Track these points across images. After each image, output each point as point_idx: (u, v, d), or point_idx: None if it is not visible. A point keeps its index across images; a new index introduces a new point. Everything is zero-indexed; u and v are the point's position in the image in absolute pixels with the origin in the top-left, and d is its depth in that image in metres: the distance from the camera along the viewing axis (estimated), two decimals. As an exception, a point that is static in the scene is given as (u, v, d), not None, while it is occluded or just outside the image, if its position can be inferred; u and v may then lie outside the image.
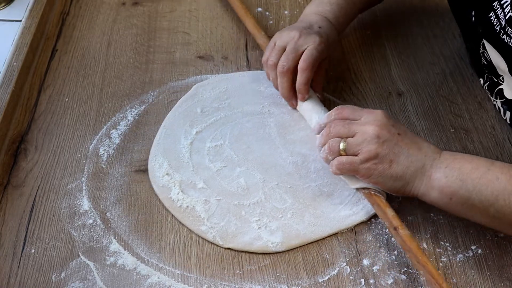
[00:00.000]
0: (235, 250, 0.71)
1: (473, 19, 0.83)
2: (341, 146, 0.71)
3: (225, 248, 0.71)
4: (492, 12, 0.77)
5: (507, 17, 0.74)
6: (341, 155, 0.72)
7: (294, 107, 0.85)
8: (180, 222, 0.74)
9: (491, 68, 0.82)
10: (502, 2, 0.75)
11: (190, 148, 0.81)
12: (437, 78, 0.93)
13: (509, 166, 0.68)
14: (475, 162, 0.68)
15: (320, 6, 0.89)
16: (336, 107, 0.76)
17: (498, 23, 0.76)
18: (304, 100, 0.83)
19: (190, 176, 0.77)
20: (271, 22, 1.02)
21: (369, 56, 0.97)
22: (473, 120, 0.86)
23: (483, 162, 0.69)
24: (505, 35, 0.75)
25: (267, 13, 1.04)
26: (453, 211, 0.70)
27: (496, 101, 0.85)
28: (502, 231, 0.72)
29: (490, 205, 0.66)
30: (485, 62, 0.84)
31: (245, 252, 0.71)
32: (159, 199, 0.76)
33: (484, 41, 0.81)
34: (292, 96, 0.84)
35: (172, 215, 0.74)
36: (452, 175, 0.68)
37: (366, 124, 0.71)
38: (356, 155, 0.70)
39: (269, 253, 0.71)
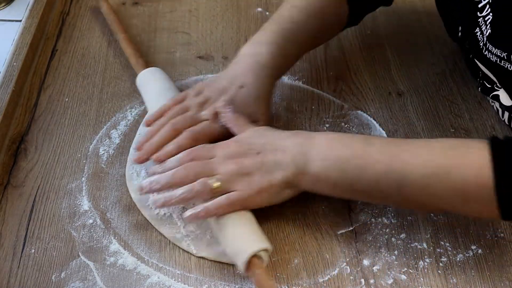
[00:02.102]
0: (206, 259, 0.70)
1: (460, 34, 0.83)
2: (215, 184, 0.67)
3: (198, 257, 0.70)
4: (478, 28, 0.76)
5: (486, 34, 0.74)
6: (215, 195, 0.67)
7: (138, 163, 0.75)
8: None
9: (484, 74, 0.82)
10: (486, 19, 0.74)
11: None
12: (437, 78, 0.93)
13: (387, 143, 0.68)
14: (353, 146, 0.67)
15: (257, 46, 0.79)
16: (186, 151, 0.70)
17: (481, 40, 0.75)
18: (158, 161, 0.73)
19: None
20: (271, 22, 1.02)
21: (369, 56, 0.97)
22: (473, 120, 0.86)
23: (361, 144, 0.67)
24: (487, 51, 0.74)
25: (267, 13, 1.04)
26: (341, 197, 0.71)
27: (494, 103, 0.85)
28: (390, 205, 0.74)
29: (373, 189, 0.66)
30: (478, 69, 0.84)
31: (218, 262, 0.69)
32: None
33: (472, 55, 0.81)
34: (152, 153, 0.73)
35: (172, 215, 0.74)
36: (330, 166, 0.67)
37: (225, 161, 0.68)
38: (230, 191, 0.67)
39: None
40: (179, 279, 0.68)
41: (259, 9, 1.05)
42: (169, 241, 0.72)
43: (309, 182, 0.68)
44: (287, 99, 0.89)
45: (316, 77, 0.93)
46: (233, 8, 1.05)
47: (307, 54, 0.96)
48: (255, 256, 0.65)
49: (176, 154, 0.72)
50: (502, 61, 0.72)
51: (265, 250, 0.66)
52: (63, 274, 0.68)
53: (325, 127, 0.85)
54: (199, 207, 0.67)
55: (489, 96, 0.84)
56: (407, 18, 1.04)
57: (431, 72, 0.94)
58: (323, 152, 0.68)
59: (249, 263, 0.64)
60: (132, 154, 0.78)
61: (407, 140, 0.71)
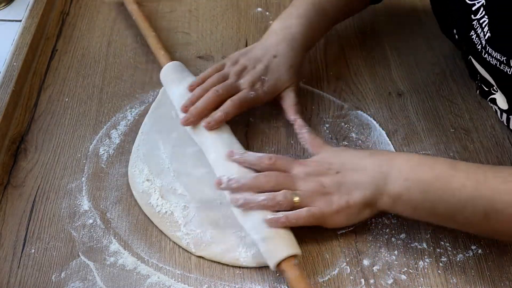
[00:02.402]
0: (206, 259, 0.70)
1: (456, 37, 0.83)
2: (296, 199, 0.68)
3: (197, 256, 0.70)
4: (473, 31, 0.76)
5: (486, 37, 0.73)
6: (292, 208, 0.68)
7: (185, 124, 0.79)
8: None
9: (482, 77, 0.82)
10: (481, 22, 0.74)
11: (171, 153, 0.79)
12: (437, 78, 0.93)
13: (474, 169, 0.66)
14: (436, 169, 0.66)
15: (287, 20, 0.85)
16: (267, 156, 0.72)
17: (479, 42, 0.75)
18: (208, 128, 0.77)
19: (170, 182, 0.76)
20: (271, 22, 1.02)
21: (369, 56, 0.97)
22: (473, 120, 0.86)
23: (446, 167, 0.66)
24: (487, 55, 0.74)
25: (267, 13, 1.04)
26: (421, 219, 0.70)
27: (492, 105, 0.85)
28: (472, 233, 0.70)
29: (456, 214, 0.64)
30: (476, 71, 0.84)
31: (217, 262, 0.70)
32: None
33: (471, 57, 0.81)
34: (200, 117, 0.78)
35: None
36: (412, 187, 0.65)
37: (305, 178, 0.69)
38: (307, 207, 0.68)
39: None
40: (179, 279, 0.68)
41: (259, 9, 1.05)
42: (169, 241, 0.72)
43: (388, 203, 0.67)
44: (287, 99, 0.89)
45: (316, 77, 0.93)
46: (233, 8, 1.05)
47: (307, 54, 0.96)
48: (287, 259, 0.66)
49: (223, 121, 0.78)
50: (502, 65, 0.72)
51: (295, 255, 0.66)
52: (63, 274, 0.68)
53: (325, 127, 0.85)
54: (280, 214, 0.68)
55: (486, 99, 0.84)
56: (407, 18, 1.04)
57: (431, 72, 0.94)
58: (404, 172, 0.66)
59: (280, 265, 0.66)
60: (179, 116, 0.81)
61: (493, 167, 0.69)
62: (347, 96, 0.90)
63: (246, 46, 0.97)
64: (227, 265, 0.69)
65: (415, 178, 0.66)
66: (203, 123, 0.78)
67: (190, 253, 0.70)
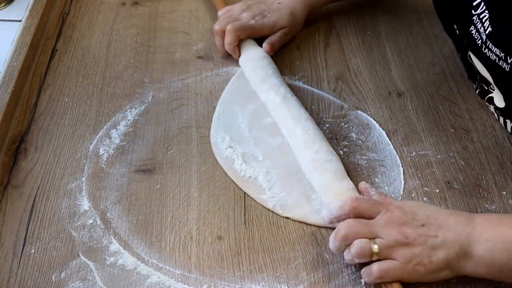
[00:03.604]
0: (293, 220, 0.74)
1: (457, 32, 0.83)
2: (375, 249, 0.65)
3: (284, 217, 0.74)
4: (473, 26, 0.76)
5: (487, 32, 0.73)
6: (372, 258, 0.66)
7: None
8: (242, 191, 0.77)
9: (481, 76, 0.82)
10: (481, 17, 0.74)
11: (249, 123, 0.84)
12: (437, 78, 0.93)
13: None
14: None
15: None
16: (350, 199, 0.69)
17: (479, 37, 0.75)
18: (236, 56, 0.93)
19: (251, 149, 0.81)
20: (271, 22, 1.02)
21: (369, 56, 0.97)
22: (473, 120, 0.86)
23: None
24: (487, 49, 0.74)
25: (267, 13, 1.04)
26: (508, 282, 0.66)
27: (490, 106, 0.86)
28: None
29: None
30: (475, 71, 0.84)
31: (300, 222, 0.73)
32: (159, 199, 0.76)
33: (470, 52, 0.81)
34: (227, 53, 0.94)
35: (172, 214, 0.75)
36: (495, 248, 0.63)
37: (388, 226, 0.66)
38: (388, 259, 0.65)
39: (268, 253, 0.71)
40: (179, 279, 0.68)
41: (259, 9, 1.05)
42: (169, 241, 0.72)
43: (472, 265, 0.64)
44: (287, 99, 0.89)
45: (316, 77, 0.93)
46: (233, 8, 1.05)
47: (307, 54, 0.96)
48: None
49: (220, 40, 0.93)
50: (500, 61, 0.72)
51: None
52: (63, 274, 0.68)
53: (325, 127, 0.85)
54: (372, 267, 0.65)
55: (484, 99, 0.85)
56: (407, 18, 1.04)
57: (431, 72, 0.94)
58: (486, 232, 0.64)
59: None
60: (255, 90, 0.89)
61: None
62: (347, 96, 0.90)
63: (246, 46, 0.98)
64: (227, 264, 0.69)
65: (497, 238, 0.63)
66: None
67: (277, 214, 0.74)
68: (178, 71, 0.93)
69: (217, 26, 0.93)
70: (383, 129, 0.85)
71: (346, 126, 0.85)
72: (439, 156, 0.81)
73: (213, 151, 0.82)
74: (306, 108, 0.87)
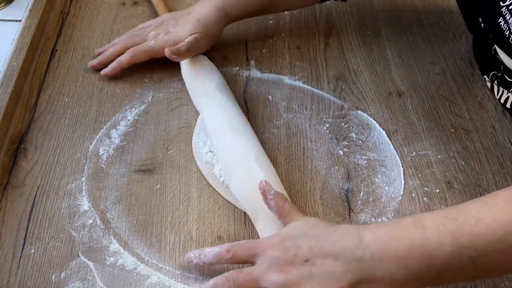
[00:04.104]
0: None
1: (482, 25, 0.83)
2: None
3: None
4: (501, 17, 0.76)
5: None
6: None
7: (91, 67, 0.93)
8: (223, 198, 0.76)
9: (506, 69, 0.81)
10: (510, 8, 0.74)
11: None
12: (437, 78, 0.93)
13: (442, 219, 0.59)
14: (405, 238, 0.59)
15: None
16: (226, 249, 0.65)
17: (507, 28, 0.75)
18: (103, 74, 0.91)
19: None
20: (271, 22, 1.02)
21: (369, 56, 0.97)
22: (473, 120, 0.86)
23: (415, 232, 0.59)
24: None
25: (267, 13, 1.04)
26: (439, 284, 0.64)
27: (510, 94, 0.85)
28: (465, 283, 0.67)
29: (444, 273, 0.59)
30: (498, 62, 0.84)
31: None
32: (159, 199, 0.76)
33: (496, 46, 0.80)
34: (104, 64, 0.92)
35: (172, 214, 0.75)
36: (392, 267, 0.59)
37: (270, 271, 0.61)
38: None
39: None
40: (179, 279, 0.68)
41: (259, 9, 1.05)
42: (169, 241, 0.72)
43: (377, 286, 0.60)
44: (287, 99, 0.89)
45: (316, 77, 0.93)
46: (233, 8, 1.05)
47: (307, 54, 0.96)
48: None
49: (117, 68, 0.90)
50: None
51: None
52: (63, 274, 0.68)
53: (325, 127, 0.85)
54: None
55: (509, 91, 0.84)
56: (407, 18, 1.04)
57: (431, 72, 0.94)
58: (378, 253, 0.59)
59: None
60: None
61: (457, 208, 0.60)
62: (347, 96, 0.90)
63: (246, 46, 0.98)
64: (227, 264, 0.69)
65: (391, 256, 0.59)
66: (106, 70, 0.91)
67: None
68: (178, 71, 0.93)
69: (119, 42, 0.93)
70: (383, 129, 0.85)
71: (346, 126, 0.85)
72: (439, 156, 0.81)
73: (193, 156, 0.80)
74: (306, 108, 0.87)
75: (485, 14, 0.81)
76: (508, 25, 0.75)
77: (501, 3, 0.75)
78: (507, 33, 0.75)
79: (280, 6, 0.96)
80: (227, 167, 0.76)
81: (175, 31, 0.89)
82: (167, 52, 0.86)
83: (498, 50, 0.80)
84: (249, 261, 0.64)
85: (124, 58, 0.90)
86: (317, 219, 0.66)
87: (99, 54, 0.93)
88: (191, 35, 0.87)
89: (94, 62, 0.92)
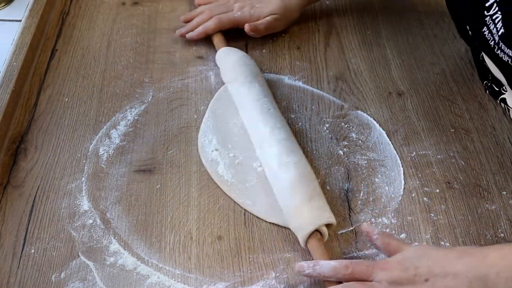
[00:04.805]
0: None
1: (470, 33, 0.83)
2: None
3: (269, 223, 0.74)
4: (485, 27, 0.76)
5: (499, 33, 0.73)
6: None
7: (180, 35, 0.97)
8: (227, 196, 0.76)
9: (493, 77, 0.82)
10: (494, 18, 0.74)
11: (241, 127, 0.83)
12: (437, 78, 0.93)
13: None
14: None
15: None
16: (345, 265, 0.64)
17: (491, 38, 0.75)
18: (188, 38, 0.96)
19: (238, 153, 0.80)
20: (271, 22, 1.02)
21: (369, 56, 0.97)
22: (473, 120, 0.86)
23: None
24: (499, 51, 0.74)
25: (267, 13, 1.04)
26: None
27: (503, 105, 0.85)
28: None
29: None
30: (488, 72, 0.84)
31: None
32: (159, 199, 0.76)
33: (483, 53, 0.81)
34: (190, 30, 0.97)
35: (172, 214, 0.75)
36: None
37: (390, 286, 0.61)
38: None
39: (268, 253, 0.71)
40: (179, 279, 0.68)
41: (259, 9, 1.05)
42: (169, 241, 0.72)
43: None
44: (287, 99, 0.89)
45: (316, 77, 0.93)
46: (233, 8, 1.05)
47: (307, 54, 0.96)
48: (316, 231, 0.68)
49: (202, 34, 0.96)
50: None
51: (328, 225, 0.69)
52: (63, 274, 0.68)
53: (325, 127, 0.85)
54: None
55: (497, 99, 0.84)
56: (407, 18, 1.04)
57: (431, 72, 0.94)
58: (504, 273, 0.58)
59: (309, 237, 0.68)
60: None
61: None
62: (347, 96, 0.90)
63: (246, 46, 0.98)
64: (227, 264, 0.69)
65: None
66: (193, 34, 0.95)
67: (262, 220, 0.74)
68: (178, 71, 0.93)
69: (206, 11, 0.97)
70: (383, 129, 0.85)
71: (346, 126, 0.85)
72: (439, 156, 0.81)
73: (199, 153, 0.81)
74: (306, 108, 0.87)
75: (471, 23, 0.81)
76: (492, 34, 0.74)
77: (485, 12, 0.75)
78: (492, 42, 0.75)
79: None
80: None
81: (260, 7, 0.96)
82: (246, 28, 0.94)
83: (486, 58, 0.80)
84: (367, 279, 0.63)
85: (210, 24, 0.95)
86: (429, 244, 0.68)
87: (186, 21, 0.98)
88: (271, 14, 0.95)
89: (183, 30, 0.97)
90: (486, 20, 0.75)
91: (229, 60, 0.90)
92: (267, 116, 0.80)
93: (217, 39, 0.96)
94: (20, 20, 0.97)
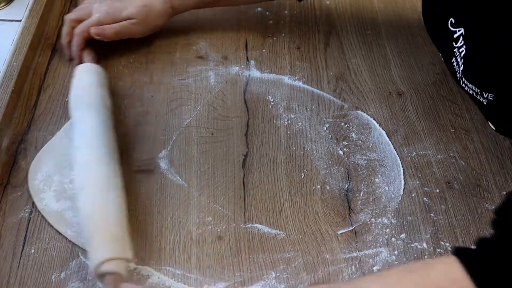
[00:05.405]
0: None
1: (443, 59, 0.83)
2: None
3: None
4: (454, 58, 0.75)
5: (461, 68, 0.73)
6: None
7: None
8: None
9: None
10: (460, 51, 0.73)
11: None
12: (437, 78, 0.93)
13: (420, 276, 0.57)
14: None
15: None
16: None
17: (458, 71, 0.75)
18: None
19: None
20: (271, 22, 1.02)
21: (369, 56, 0.97)
22: (473, 120, 0.86)
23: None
24: (464, 84, 0.73)
25: (267, 13, 1.04)
26: None
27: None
28: None
29: None
30: None
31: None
32: (159, 199, 0.76)
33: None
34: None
35: (172, 214, 0.75)
36: None
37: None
38: None
39: (268, 253, 0.71)
40: (179, 280, 0.68)
41: (259, 9, 1.05)
42: (169, 241, 0.72)
43: None
44: (287, 99, 0.89)
45: (316, 77, 0.93)
46: (233, 8, 1.05)
47: (307, 54, 0.96)
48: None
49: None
50: (478, 95, 0.71)
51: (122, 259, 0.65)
52: (63, 274, 0.68)
53: (325, 127, 0.85)
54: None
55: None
56: (407, 18, 1.04)
57: (431, 72, 0.94)
58: None
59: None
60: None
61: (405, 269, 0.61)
62: (347, 96, 0.90)
63: (246, 46, 0.97)
64: (228, 264, 0.69)
65: None
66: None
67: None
68: (178, 71, 0.93)
69: (68, 20, 0.92)
70: (383, 129, 0.85)
71: (346, 126, 0.85)
72: (439, 156, 0.81)
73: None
74: (306, 108, 0.87)
75: (443, 52, 0.81)
76: (459, 67, 0.74)
77: (454, 43, 0.74)
78: (458, 75, 0.75)
79: (224, 1, 0.98)
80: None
81: (124, 11, 0.89)
82: (91, 31, 0.88)
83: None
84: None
85: (73, 44, 0.90)
86: None
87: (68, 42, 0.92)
88: (128, 19, 0.89)
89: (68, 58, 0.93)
90: (455, 52, 0.75)
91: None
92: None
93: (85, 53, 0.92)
94: (20, 20, 0.97)
